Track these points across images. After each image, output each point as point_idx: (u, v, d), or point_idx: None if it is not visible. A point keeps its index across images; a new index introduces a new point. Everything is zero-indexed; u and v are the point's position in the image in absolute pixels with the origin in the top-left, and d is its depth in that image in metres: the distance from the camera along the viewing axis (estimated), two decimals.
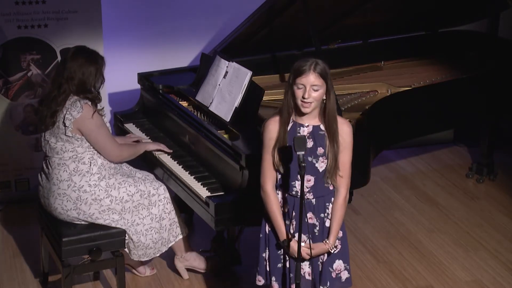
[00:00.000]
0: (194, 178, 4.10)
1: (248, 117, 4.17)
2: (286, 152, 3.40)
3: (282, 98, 4.55)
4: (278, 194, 3.48)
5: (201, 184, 4.03)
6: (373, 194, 5.45)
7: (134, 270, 4.47)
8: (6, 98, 5.11)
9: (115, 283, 4.17)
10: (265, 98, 4.31)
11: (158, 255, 4.26)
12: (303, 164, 3.22)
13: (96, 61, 4.01)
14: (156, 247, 4.20)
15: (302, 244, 3.39)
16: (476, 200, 5.43)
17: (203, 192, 3.94)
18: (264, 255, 3.55)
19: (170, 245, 4.27)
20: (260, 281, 3.60)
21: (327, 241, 3.45)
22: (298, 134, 3.35)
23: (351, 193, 4.04)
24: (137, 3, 5.53)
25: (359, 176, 4.11)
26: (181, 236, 4.29)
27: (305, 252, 3.41)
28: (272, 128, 3.43)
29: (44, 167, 4.12)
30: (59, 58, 5.09)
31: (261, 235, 3.56)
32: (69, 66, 3.96)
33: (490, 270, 4.59)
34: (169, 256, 4.51)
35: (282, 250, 3.50)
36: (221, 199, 3.82)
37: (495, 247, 4.83)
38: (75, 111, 3.93)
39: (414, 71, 5.26)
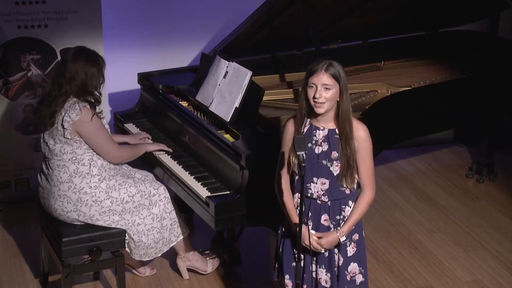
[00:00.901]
0: (194, 178, 4.10)
1: (248, 117, 4.16)
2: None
3: (282, 98, 4.61)
4: (296, 194, 3.48)
5: (201, 184, 4.03)
6: None
7: (134, 270, 4.48)
8: (6, 98, 5.11)
9: (115, 283, 4.18)
10: (265, 98, 4.31)
11: (159, 255, 4.26)
12: (303, 164, 3.22)
13: (97, 62, 4.01)
14: (158, 246, 4.20)
15: (313, 237, 3.40)
16: (476, 200, 5.43)
17: (203, 192, 3.94)
18: (280, 251, 3.56)
19: (171, 245, 4.27)
20: (273, 275, 3.63)
21: (338, 229, 3.43)
22: (298, 136, 3.34)
23: None
24: (137, 3, 5.53)
25: None
26: (182, 236, 4.29)
27: (315, 242, 3.39)
28: (290, 129, 3.45)
29: (44, 168, 4.12)
30: (59, 58, 5.09)
31: (279, 232, 3.58)
32: (71, 67, 3.95)
33: (490, 270, 4.59)
34: (169, 256, 4.51)
35: (296, 249, 3.50)
36: (221, 199, 3.82)
37: (495, 247, 4.84)
38: (74, 113, 3.92)
39: (414, 71, 5.25)
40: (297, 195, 3.48)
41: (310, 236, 3.38)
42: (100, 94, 4.07)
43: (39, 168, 4.20)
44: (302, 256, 3.48)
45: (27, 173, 5.24)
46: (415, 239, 4.91)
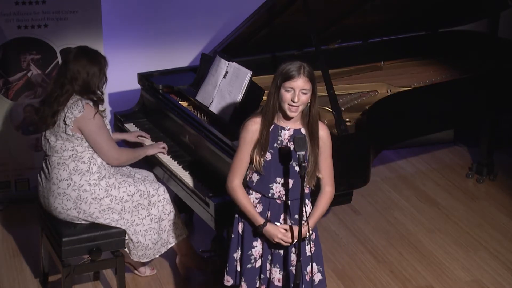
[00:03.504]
0: (194, 178, 4.10)
1: (248, 117, 4.16)
2: (268, 154, 3.40)
3: None
4: (252, 194, 3.47)
5: (201, 184, 4.03)
6: (373, 194, 5.45)
7: (134, 270, 4.48)
8: (6, 98, 5.11)
9: (115, 283, 4.18)
10: (265, 98, 4.30)
11: (157, 256, 4.26)
12: (303, 164, 3.22)
13: (99, 61, 4.01)
14: (156, 248, 4.20)
15: (280, 229, 3.40)
16: (476, 200, 5.43)
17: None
18: (234, 255, 3.54)
19: (169, 246, 4.27)
20: (229, 281, 3.59)
21: (304, 223, 3.39)
22: (298, 136, 3.34)
23: (351, 193, 4.05)
24: (137, 3, 5.53)
25: (359, 176, 4.11)
26: (181, 238, 4.29)
27: (281, 234, 3.37)
28: (253, 129, 3.41)
29: (44, 166, 4.12)
30: (59, 58, 5.09)
31: (232, 236, 3.55)
32: (72, 67, 3.95)
33: (490, 270, 4.59)
34: (169, 256, 4.51)
35: (252, 250, 3.48)
36: (221, 199, 3.82)
37: (495, 247, 4.84)
38: (76, 110, 3.93)
39: (414, 71, 5.26)
40: (254, 195, 3.46)
41: (301, 243, 3.35)
42: (103, 93, 4.08)
43: (39, 168, 4.20)
44: (257, 258, 3.49)
45: (27, 173, 5.24)
46: (415, 239, 4.91)
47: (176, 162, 4.29)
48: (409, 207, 5.32)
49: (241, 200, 3.45)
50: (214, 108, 4.31)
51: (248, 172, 3.46)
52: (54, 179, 4.03)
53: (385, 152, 5.93)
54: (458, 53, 5.52)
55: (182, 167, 4.23)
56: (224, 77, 4.32)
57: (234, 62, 4.32)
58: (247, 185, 3.48)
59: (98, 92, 4.03)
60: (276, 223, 3.43)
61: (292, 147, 3.37)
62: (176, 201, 4.34)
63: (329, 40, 5.10)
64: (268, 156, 3.38)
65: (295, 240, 3.41)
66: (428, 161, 6.02)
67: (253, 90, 4.19)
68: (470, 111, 5.09)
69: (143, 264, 4.46)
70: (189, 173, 4.16)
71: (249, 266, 3.50)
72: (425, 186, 5.63)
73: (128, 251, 4.18)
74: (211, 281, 4.44)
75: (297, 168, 3.36)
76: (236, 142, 3.94)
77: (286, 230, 3.40)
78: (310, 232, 3.44)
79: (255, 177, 3.44)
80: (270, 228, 3.41)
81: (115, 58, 5.25)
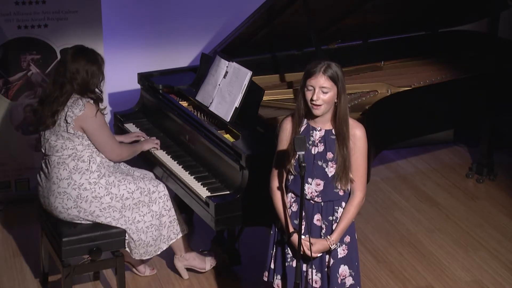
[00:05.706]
0: (194, 178, 4.11)
1: (248, 117, 4.17)
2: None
3: (282, 98, 4.61)
4: (289, 193, 3.48)
5: (201, 184, 4.03)
6: (373, 194, 5.45)
7: (134, 269, 4.48)
8: (6, 98, 5.11)
9: (115, 283, 4.18)
10: (265, 98, 4.31)
11: (159, 252, 4.26)
12: (303, 164, 3.22)
13: (97, 60, 4.02)
14: (156, 244, 4.20)
15: (305, 242, 3.40)
16: (476, 200, 5.43)
17: (203, 192, 3.95)
18: (272, 252, 3.56)
19: (171, 242, 4.27)
20: (266, 276, 3.61)
21: (328, 237, 3.42)
22: (298, 136, 3.34)
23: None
24: (137, 3, 5.54)
25: None
26: (181, 234, 4.29)
27: (306, 247, 3.39)
28: (287, 128, 3.43)
29: (43, 166, 4.12)
30: (59, 58, 5.09)
31: (271, 232, 3.57)
32: (71, 66, 3.96)
33: (490, 270, 4.59)
34: (169, 256, 4.51)
35: (288, 249, 3.50)
36: (221, 199, 3.82)
37: (495, 247, 4.84)
38: (77, 109, 3.94)
39: (414, 71, 5.25)
40: (290, 194, 3.47)
41: (301, 243, 3.36)
42: (101, 91, 4.09)
43: (39, 168, 4.20)
44: (293, 257, 3.49)
45: (27, 173, 5.24)
46: (415, 239, 4.91)
47: (176, 162, 4.29)
48: (409, 207, 5.32)
49: (275, 204, 3.48)
50: (214, 108, 4.31)
51: (287, 172, 3.47)
52: (54, 179, 4.03)
53: (385, 152, 5.93)
54: (458, 53, 5.52)
55: (182, 167, 4.23)
56: (224, 77, 4.32)
57: (234, 62, 4.32)
58: (285, 185, 3.49)
59: (97, 91, 4.04)
60: (302, 235, 3.42)
61: (322, 148, 3.37)
62: (176, 200, 4.34)
63: (329, 40, 5.10)
64: None
65: (319, 254, 3.44)
66: (428, 161, 6.02)
67: (253, 90, 4.19)
68: (470, 111, 5.09)
69: (143, 262, 4.46)
70: (189, 173, 4.16)
71: (286, 264, 3.51)
72: (425, 186, 5.63)
73: (129, 250, 4.18)
74: (210, 281, 4.44)
75: (327, 170, 3.37)
76: (236, 142, 3.95)
77: (311, 244, 3.40)
78: (334, 246, 3.43)
79: (290, 177, 3.45)
80: (295, 240, 3.41)
81: (115, 58, 5.26)
